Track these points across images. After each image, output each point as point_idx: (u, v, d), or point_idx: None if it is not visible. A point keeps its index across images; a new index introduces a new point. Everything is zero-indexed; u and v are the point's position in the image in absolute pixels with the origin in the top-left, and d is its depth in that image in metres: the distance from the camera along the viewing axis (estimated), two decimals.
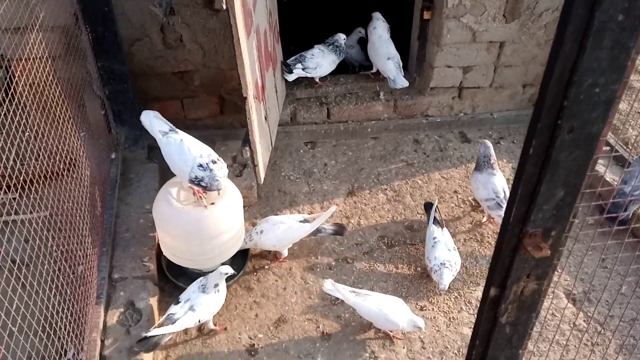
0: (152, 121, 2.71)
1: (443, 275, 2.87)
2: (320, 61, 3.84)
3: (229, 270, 2.66)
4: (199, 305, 2.64)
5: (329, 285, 2.82)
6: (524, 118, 4.14)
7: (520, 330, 1.37)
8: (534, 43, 3.81)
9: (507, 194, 3.17)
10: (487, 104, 4.08)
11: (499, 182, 3.22)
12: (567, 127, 1.06)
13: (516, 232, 1.18)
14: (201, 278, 2.72)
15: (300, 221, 3.07)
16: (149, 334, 2.53)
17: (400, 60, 3.86)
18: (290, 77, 3.80)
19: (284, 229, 3.03)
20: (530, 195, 1.14)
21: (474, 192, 3.38)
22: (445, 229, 3.12)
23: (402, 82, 3.80)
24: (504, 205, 3.14)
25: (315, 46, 3.89)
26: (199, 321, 2.67)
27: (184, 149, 2.64)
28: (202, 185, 2.61)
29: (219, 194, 2.69)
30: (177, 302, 2.67)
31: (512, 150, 3.99)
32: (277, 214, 3.44)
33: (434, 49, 3.76)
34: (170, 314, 2.62)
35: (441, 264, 2.90)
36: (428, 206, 3.24)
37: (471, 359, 1.42)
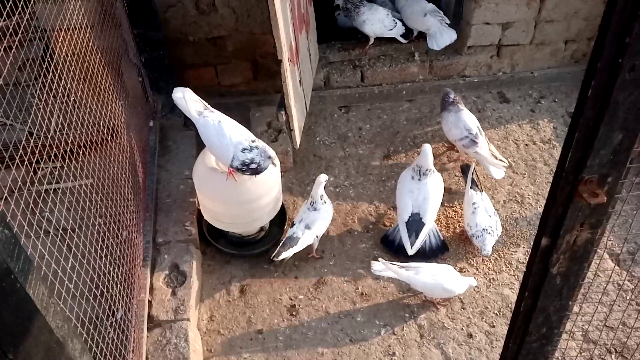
0: (187, 100, 2.63)
1: (485, 241, 2.84)
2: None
3: (325, 177, 2.90)
4: (314, 223, 2.88)
5: (379, 266, 2.78)
6: (565, 76, 3.99)
7: (571, 281, 1.35)
8: None
9: (480, 130, 3.22)
10: (527, 62, 3.95)
11: (468, 118, 3.25)
12: (629, 66, 1.02)
13: (571, 179, 1.15)
14: (308, 199, 2.95)
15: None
16: (278, 258, 2.81)
17: (440, 13, 3.74)
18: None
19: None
20: (587, 140, 1.10)
21: (447, 134, 3.37)
22: (484, 192, 3.07)
23: (451, 36, 3.72)
24: (478, 141, 3.16)
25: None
26: (317, 237, 2.93)
27: (224, 133, 2.55)
28: (252, 168, 2.52)
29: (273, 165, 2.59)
30: (293, 225, 2.91)
31: (553, 110, 3.86)
32: (313, 179, 3.46)
33: (471, 5, 3.64)
34: (291, 235, 2.86)
35: (483, 229, 2.86)
36: (465, 169, 3.19)
37: (520, 310, 1.41)
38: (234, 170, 2.60)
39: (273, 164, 2.59)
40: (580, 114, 1.07)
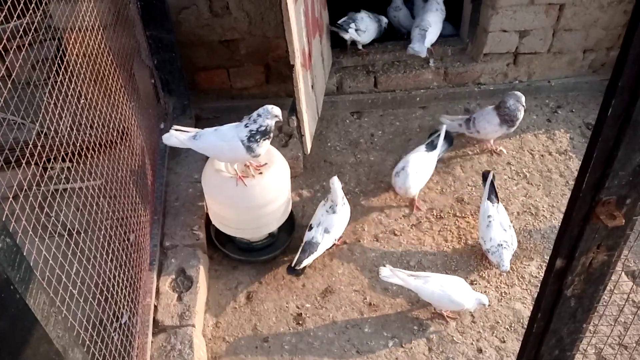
0: (178, 136, 2.65)
1: (503, 256, 2.76)
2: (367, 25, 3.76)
3: (337, 179, 2.87)
4: (333, 227, 2.86)
5: (387, 272, 2.73)
6: (583, 86, 3.91)
7: (585, 304, 1.30)
8: (597, 5, 3.57)
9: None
10: (544, 70, 3.87)
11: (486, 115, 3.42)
12: None
13: (588, 200, 1.10)
14: (323, 201, 2.95)
15: (426, 150, 3.19)
16: (300, 266, 2.79)
17: (424, 30, 3.68)
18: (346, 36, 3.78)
19: (420, 170, 3.14)
20: (606, 160, 1.05)
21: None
22: (500, 204, 3.00)
23: (417, 49, 3.64)
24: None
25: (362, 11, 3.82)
26: (335, 240, 2.93)
27: (224, 132, 2.57)
28: (262, 131, 2.48)
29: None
30: (311, 228, 2.87)
31: (570, 120, 3.79)
32: (323, 185, 3.42)
33: (488, 12, 3.58)
34: (310, 241, 2.82)
35: (498, 245, 2.80)
36: (485, 174, 3.10)
37: (532, 332, 1.36)
38: (252, 143, 2.52)
39: (278, 118, 2.51)
40: (599, 133, 1.02)
